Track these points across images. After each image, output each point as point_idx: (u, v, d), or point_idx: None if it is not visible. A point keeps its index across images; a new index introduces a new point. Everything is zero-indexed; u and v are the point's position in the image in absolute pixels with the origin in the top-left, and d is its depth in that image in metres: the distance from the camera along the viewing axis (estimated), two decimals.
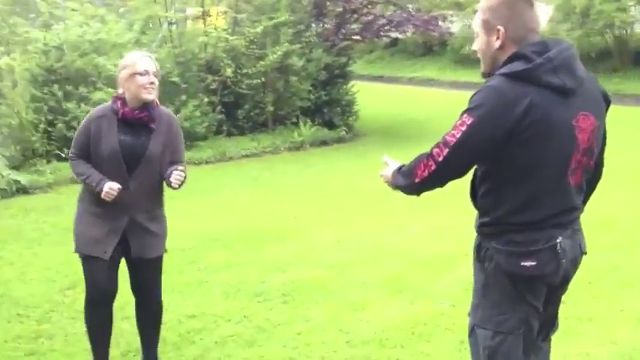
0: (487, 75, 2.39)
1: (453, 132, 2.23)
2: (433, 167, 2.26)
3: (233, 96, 12.28)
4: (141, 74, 3.35)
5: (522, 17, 2.31)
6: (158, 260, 3.67)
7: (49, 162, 9.62)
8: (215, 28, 12.13)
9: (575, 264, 2.40)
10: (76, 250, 3.60)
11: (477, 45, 2.41)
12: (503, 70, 2.25)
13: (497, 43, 2.32)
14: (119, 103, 3.41)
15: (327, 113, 13.67)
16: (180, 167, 3.41)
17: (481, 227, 2.39)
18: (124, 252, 3.60)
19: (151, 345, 3.83)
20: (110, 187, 3.32)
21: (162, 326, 4.41)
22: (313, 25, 13.88)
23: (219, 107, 12.13)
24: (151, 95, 3.39)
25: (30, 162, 9.35)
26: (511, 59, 2.26)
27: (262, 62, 12.11)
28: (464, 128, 2.20)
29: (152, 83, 3.37)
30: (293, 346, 4.09)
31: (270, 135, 12.51)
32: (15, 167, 9.38)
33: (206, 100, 11.84)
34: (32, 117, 9.64)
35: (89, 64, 10.28)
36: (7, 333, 4.35)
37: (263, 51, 12.27)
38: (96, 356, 3.71)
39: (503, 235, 2.30)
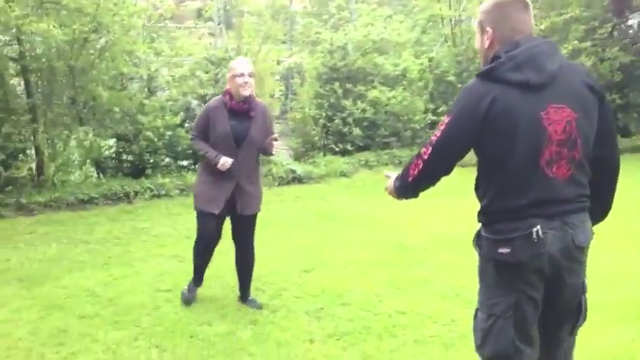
0: None
1: (436, 132, 2.47)
2: (421, 165, 2.49)
3: None
4: (238, 76, 4.39)
5: (511, 19, 2.45)
6: (254, 217, 4.72)
7: (324, 155, 10.34)
8: None
9: (567, 256, 2.40)
10: (195, 207, 4.67)
11: (475, 44, 2.64)
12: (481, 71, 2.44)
13: (486, 43, 2.50)
14: (228, 97, 4.50)
15: (621, 119, 12.50)
16: (272, 137, 4.46)
17: (477, 216, 2.54)
18: (229, 211, 4.64)
19: (245, 286, 4.89)
20: (225, 160, 4.43)
21: (373, 317, 4.61)
22: (615, 20, 12.72)
23: None
24: (247, 92, 4.41)
25: (309, 154, 10.14)
26: (491, 59, 2.42)
27: None
28: (443, 127, 2.44)
29: (246, 83, 4.38)
30: None
31: None
32: (296, 158, 10.27)
33: None
34: (314, 112, 10.40)
35: (369, 63, 10.77)
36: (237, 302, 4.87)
37: None
38: (195, 277, 4.90)
39: (491, 224, 2.46)
